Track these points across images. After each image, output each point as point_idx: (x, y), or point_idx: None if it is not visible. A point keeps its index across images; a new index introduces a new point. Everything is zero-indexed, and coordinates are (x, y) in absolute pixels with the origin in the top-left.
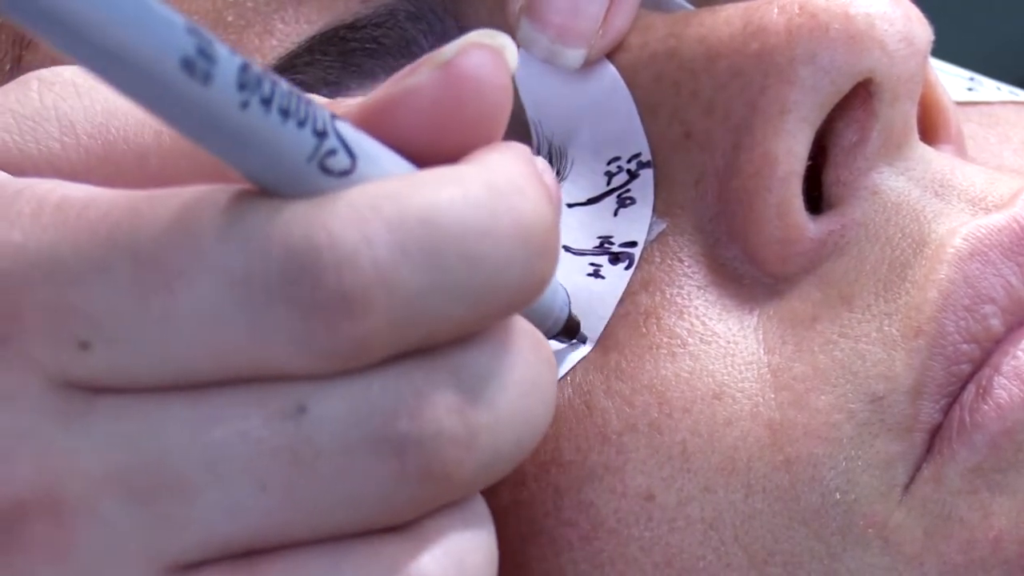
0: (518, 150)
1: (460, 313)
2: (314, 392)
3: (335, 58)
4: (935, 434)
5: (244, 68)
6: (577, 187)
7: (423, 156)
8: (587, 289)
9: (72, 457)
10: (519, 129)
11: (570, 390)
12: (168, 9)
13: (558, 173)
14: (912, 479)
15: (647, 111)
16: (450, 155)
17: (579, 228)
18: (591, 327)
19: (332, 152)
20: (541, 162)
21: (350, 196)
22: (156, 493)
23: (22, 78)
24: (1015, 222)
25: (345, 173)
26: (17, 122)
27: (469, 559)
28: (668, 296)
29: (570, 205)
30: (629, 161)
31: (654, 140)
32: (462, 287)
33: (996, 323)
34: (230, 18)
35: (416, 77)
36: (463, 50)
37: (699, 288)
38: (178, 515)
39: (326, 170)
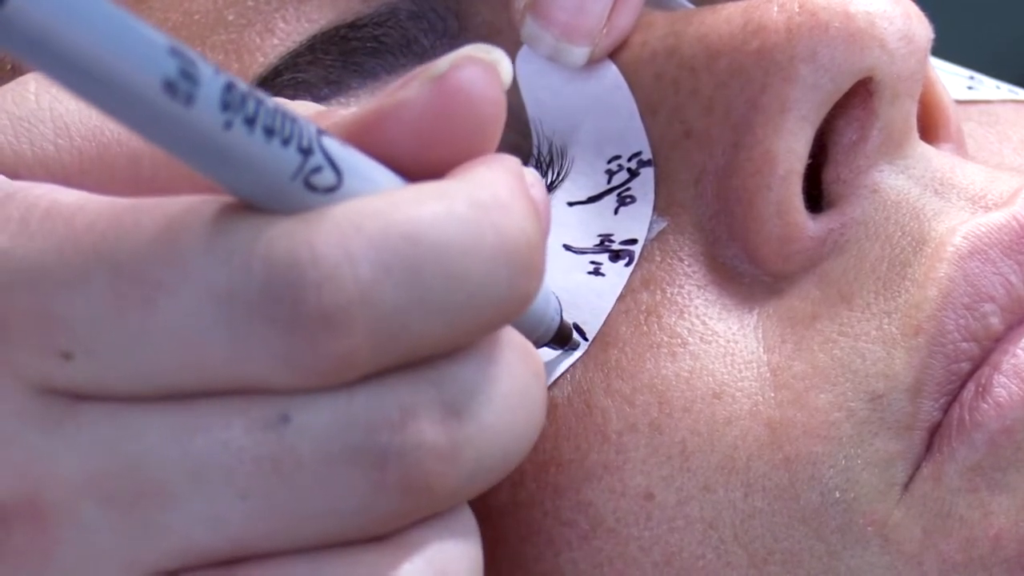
0: (506, 164)
1: (442, 330)
2: (297, 403)
3: (336, 57)
4: (935, 432)
5: (228, 88)
6: (577, 185)
7: (413, 170)
8: (587, 287)
9: (53, 463)
10: (520, 128)
11: (569, 388)
12: (151, 29)
13: (558, 172)
14: (912, 477)
15: (647, 109)
16: (441, 169)
17: (579, 226)
18: (591, 323)
19: (318, 169)
20: (531, 175)
21: (334, 213)
22: (137, 500)
23: (21, 79)
24: (1015, 220)
25: (331, 189)
26: (12, 123)
27: (451, 569)
28: (668, 295)
29: (570, 203)
30: (630, 159)
31: (654, 138)
32: (444, 304)
33: (996, 321)
34: (231, 17)
35: (408, 90)
36: (456, 64)
37: (699, 287)
38: (158, 522)
39: (311, 187)
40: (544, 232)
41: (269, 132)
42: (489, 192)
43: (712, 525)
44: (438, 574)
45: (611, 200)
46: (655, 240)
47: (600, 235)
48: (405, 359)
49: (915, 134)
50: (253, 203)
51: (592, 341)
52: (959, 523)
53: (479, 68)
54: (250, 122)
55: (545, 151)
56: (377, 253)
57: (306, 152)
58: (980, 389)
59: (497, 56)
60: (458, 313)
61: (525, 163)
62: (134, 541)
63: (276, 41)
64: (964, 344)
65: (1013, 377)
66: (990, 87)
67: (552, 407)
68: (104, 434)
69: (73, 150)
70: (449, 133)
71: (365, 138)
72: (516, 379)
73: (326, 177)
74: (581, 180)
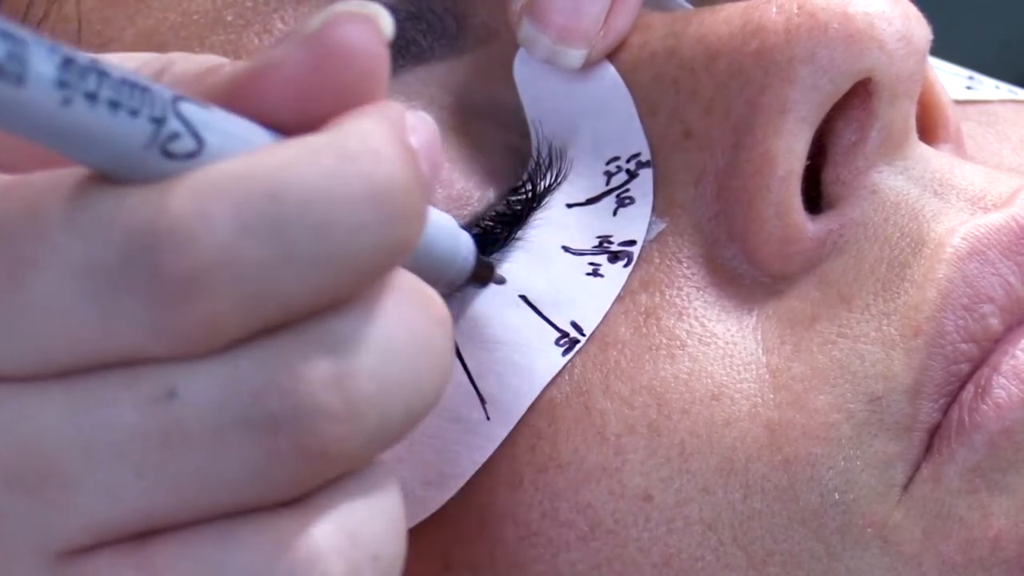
0: (382, 111)
1: (315, 284)
2: (183, 373)
3: None
4: (934, 434)
5: (66, 64)
6: (576, 187)
7: (295, 129)
8: (586, 288)
9: None
10: (519, 129)
11: (568, 390)
12: None
13: (557, 173)
14: (911, 479)
15: (646, 110)
16: (320, 126)
17: (578, 228)
18: (589, 324)
19: (175, 136)
20: (415, 117)
21: (193, 177)
22: (37, 480)
23: None
24: (1014, 221)
25: (192, 155)
26: None
27: (364, 529)
28: (667, 297)
29: (569, 205)
30: (628, 161)
31: (653, 140)
32: (313, 257)
33: (995, 322)
34: (229, 17)
35: (282, 48)
36: (329, 20)
37: (698, 289)
38: (62, 502)
39: (169, 154)
40: (422, 176)
41: (114, 105)
42: (356, 141)
43: (711, 526)
44: (350, 535)
45: (610, 201)
46: (654, 241)
47: (599, 236)
48: (283, 318)
49: (914, 135)
50: (111, 175)
51: (591, 341)
52: (959, 524)
53: (354, 22)
54: (91, 96)
55: (544, 153)
56: (237, 212)
57: (159, 121)
58: (979, 390)
59: (373, 9)
60: (328, 266)
61: (524, 165)
62: (41, 522)
63: (274, 42)
64: (963, 345)
65: (1012, 378)
66: (989, 87)
67: (551, 408)
68: (1, 417)
69: None
70: (326, 89)
71: (241, 97)
72: (411, 325)
73: (185, 143)
74: (580, 182)
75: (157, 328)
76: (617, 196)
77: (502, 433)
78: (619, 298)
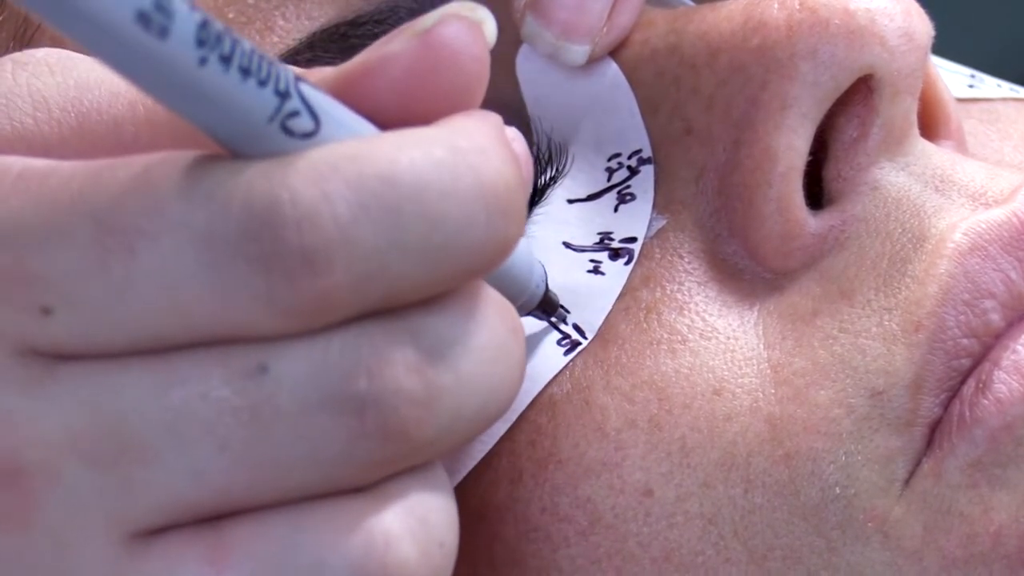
0: (487, 116)
1: (420, 272)
2: (275, 352)
3: (336, 55)
4: (935, 429)
5: (204, 24)
6: (577, 183)
7: (396, 125)
8: (587, 285)
9: (33, 424)
10: (520, 125)
11: (569, 385)
12: None
13: (558, 169)
14: (912, 474)
15: (648, 107)
16: (423, 124)
17: (579, 224)
18: (591, 321)
19: (295, 113)
20: (512, 131)
21: (312, 156)
22: (117, 457)
23: None
24: (1015, 217)
25: (308, 135)
26: None
27: (432, 517)
28: (668, 292)
29: (570, 201)
30: (630, 157)
31: (655, 136)
32: (422, 246)
33: (996, 318)
34: (231, 15)
35: (393, 45)
36: (442, 20)
37: (699, 284)
38: (140, 479)
39: (288, 131)
40: (524, 180)
41: (245, 72)
42: (467, 138)
43: (712, 521)
44: (419, 521)
45: (611, 198)
46: (655, 238)
47: (600, 233)
48: (383, 303)
49: (915, 131)
50: (230, 146)
51: (592, 339)
52: (959, 519)
53: (464, 25)
54: (226, 60)
55: (545, 149)
56: (355, 194)
57: (283, 95)
58: (980, 385)
59: (482, 15)
60: (436, 255)
61: None
62: (117, 499)
63: (276, 39)
64: (964, 340)
65: (1013, 373)
66: (991, 85)
67: (551, 403)
68: (84, 393)
69: (52, 122)
70: (432, 88)
71: (348, 92)
72: (493, 333)
73: (303, 122)
74: (581, 178)
75: (270, 301)
76: (618, 192)
77: (502, 428)
78: (620, 294)
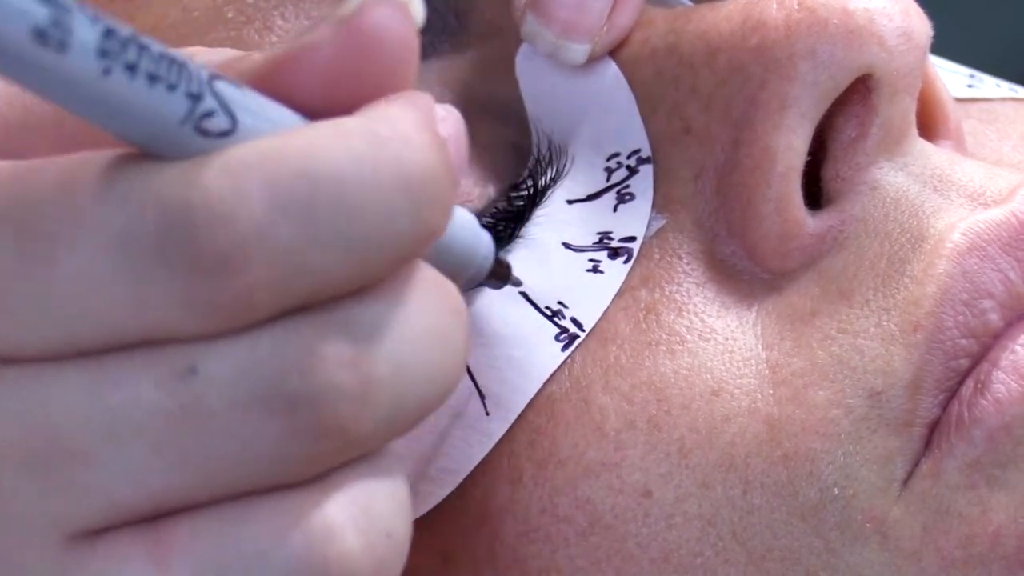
0: (413, 99)
1: (343, 266)
2: (204, 352)
3: None
4: (933, 429)
5: (107, 34)
6: (577, 183)
7: (324, 114)
8: (586, 284)
9: None
10: (519, 125)
11: (568, 385)
12: None
13: (558, 169)
14: (910, 474)
15: (647, 107)
16: (352, 111)
17: (578, 224)
18: (589, 314)
19: (210, 113)
20: (444, 109)
21: (227, 155)
22: (54, 461)
23: None
24: (1014, 217)
25: (225, 134)
26: None
27: (377, 506)
28: (667, 293)
29: (570, 201)
30: (629, 157)
31: (654, 136)
32: (342, 239)
33: (994, 318)
34: (230, 14)
35: (316, 33)
36: (364, 5)
37: (698, 285)
38: (77, 482)
39: (203, 132)
40: (451, 165)
41: (152, 78)
42: (388, 126)
43: (710, 522)
44: (363, 510)
45: (610, 197)
46: (654, 237)
47: (599, 232)
48: (308, 299)
49: (914, 131)
50: (145, 150)
51: (590, 337)
52: (958, 520)
53: (388, 8)
54: (131, 68)
55: (544, 148)
56: (270, 191)
57: (195, 97)
58: (979, 385)
59: None
60: (358, 248)
61: (524, 161)
62: (55, 503)
63: (275, 38)
64: (963, 340)
65: (1012, 373)
66: (990, 85)
67: (550, 404)
68: (16, 397)
69: None
70: (358, 75)
71: (272, 81)
72: (430, 316)
73: (219, 122)
74: (580, 178)
75: (189, 303)
76: (617, 192)
77: (501, 429)
78: (619, 294)
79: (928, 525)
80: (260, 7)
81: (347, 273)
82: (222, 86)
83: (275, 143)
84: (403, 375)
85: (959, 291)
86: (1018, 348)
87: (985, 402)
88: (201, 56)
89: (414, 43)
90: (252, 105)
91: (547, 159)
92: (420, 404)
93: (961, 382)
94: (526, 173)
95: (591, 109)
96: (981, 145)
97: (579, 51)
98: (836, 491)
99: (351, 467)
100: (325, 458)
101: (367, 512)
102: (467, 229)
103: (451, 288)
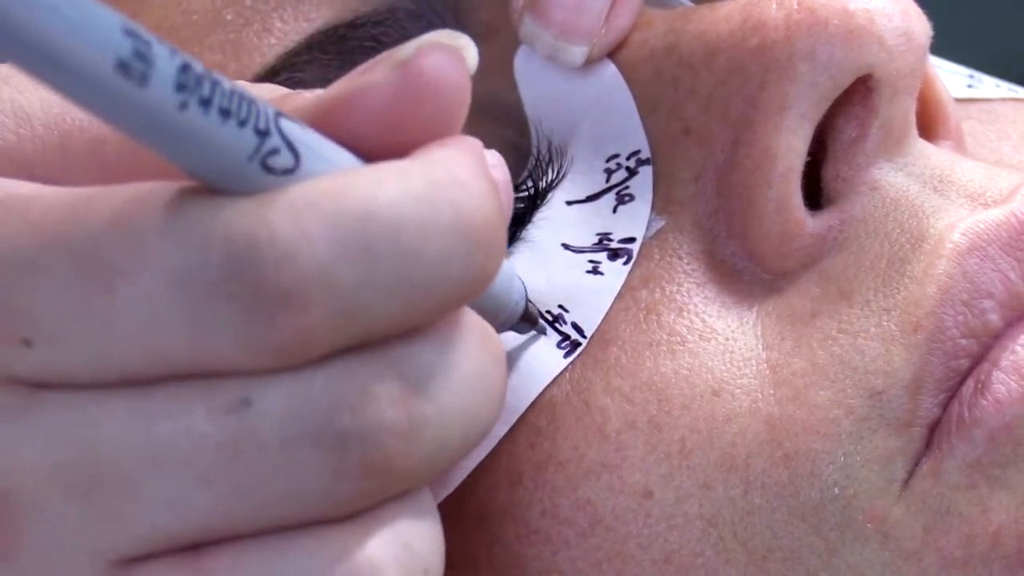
0: (467, 144)
1: (399, 308)
2: (258, 386)
3: (334, 56)
4: (934, 429)
5: (184, 69)
6: (576, 184)
7: (376, 154)
8: (586, 285)
9: (17, 454)
10: (518, 127)
11: (568, 387)
12: (105, 9)
13: (558, 171)
14: (911, 474)
15: (646, 107)
16: (403, 153)
17: (578, 225)
18: (589, 321)
19: (275, 151)
20: (493, 156)
21: (291, 193)
22: (100, 488)
23: None
24: (1014, 217)
25: (288, 171)
26: None
27: (416, 543)
28: (668, 293)
29: (569, 202)
30: (628, 158)
31: (653, 137)
32: (400, 282)
33: (995, 318)
34: (229, 16)
35: (373, 75)
36: (422, 49)
37: (698, 285)
38: (122, 510)
39: (268, 168)
40: (504, 212)
41: (225, 113)
42: (447, 171)
43: (711, 522)
44: (404, 547)
45: (610, 199)
46: (654, 238)
47: (599, 234)
48: (363, 339)
49: (914, 131)
50: (210, 184)
51: (591, 340)
52: (959, 520)
53: (445, 53)
54: (205, 103)
55: (544, 150)
56: (333, 231)
57: (263, 134)
58: (979, 386)
59: (463, 42)
60: (415, 291)
61: (524, 162)
62: (99, 529)
63: (274, 40)
64: (963, 341)
65: (1012, 374)
66: (990, 85)
67: (551, 406)
68: (66, 423)
69: (35, 139)
70: (413, 118)
71: (327, 122)
72: (475, 361)
73: (283, 159)
74: (580, 179)
75: (249, 339)
76: (617, 193)
77: (501, 431)
78: (619, 295)
79: (929, 525)
80: (259, 9)
81: (402, 316)
82: (286, 124)
83: (338, 183)
84: (448, 416)
85: (959, 291)
86: (1018, 348)
87: (985, 402)
88: (252, 91)
89: (468, 88)
90: (313, 144)
91: (547, 160)
92: (461, 444)
93: (961, 382)
94: (526, 175)
95: (590, 111)
96: (981, 145)
97: (577, 53)
98: (837, 491)
99: (393, 504)
100: (370, 494)
101: (408, 549)
102: (505, 276)
103: (493, 334)
